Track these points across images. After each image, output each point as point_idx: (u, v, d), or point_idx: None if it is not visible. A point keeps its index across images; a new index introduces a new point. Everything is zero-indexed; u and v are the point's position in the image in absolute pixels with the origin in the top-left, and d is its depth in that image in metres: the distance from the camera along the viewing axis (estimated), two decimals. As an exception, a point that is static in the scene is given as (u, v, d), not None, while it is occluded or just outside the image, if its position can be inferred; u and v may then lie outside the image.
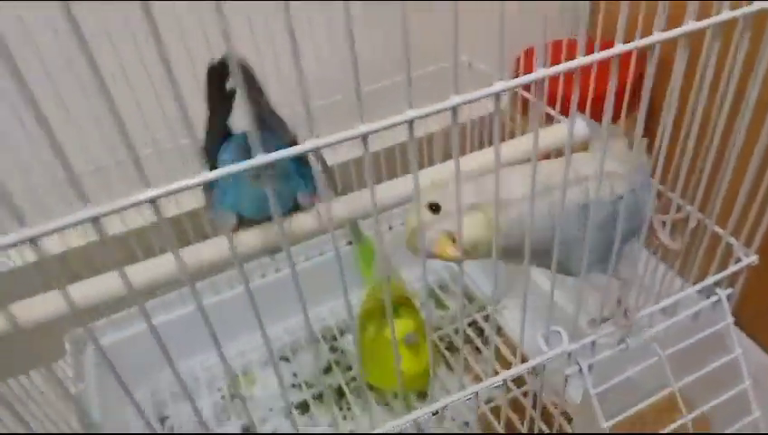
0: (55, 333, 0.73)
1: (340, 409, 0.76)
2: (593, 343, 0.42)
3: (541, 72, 0.29)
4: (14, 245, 0.20)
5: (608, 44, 0.32)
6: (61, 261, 0.68)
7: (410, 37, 0.24)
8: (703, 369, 0.47)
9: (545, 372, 0.41)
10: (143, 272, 0.44)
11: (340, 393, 0.78)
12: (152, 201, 0.21)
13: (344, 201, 0.45)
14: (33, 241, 0.20)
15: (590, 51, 0.30)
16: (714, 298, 0.48)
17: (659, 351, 0.45)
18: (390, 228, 0.88)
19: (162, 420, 0.78)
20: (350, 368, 0.80)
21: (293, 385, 0.80)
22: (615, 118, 0.72)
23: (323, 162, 0.69)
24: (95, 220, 0.21)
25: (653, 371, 0.48)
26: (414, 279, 0.85)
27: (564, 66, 0.29)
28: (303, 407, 0.77)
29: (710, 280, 0.47)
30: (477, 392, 0.37)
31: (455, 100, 0.27)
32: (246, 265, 0.80)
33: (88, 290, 0.43)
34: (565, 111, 0.66)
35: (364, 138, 0.25)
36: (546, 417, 0.59)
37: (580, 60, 0.30)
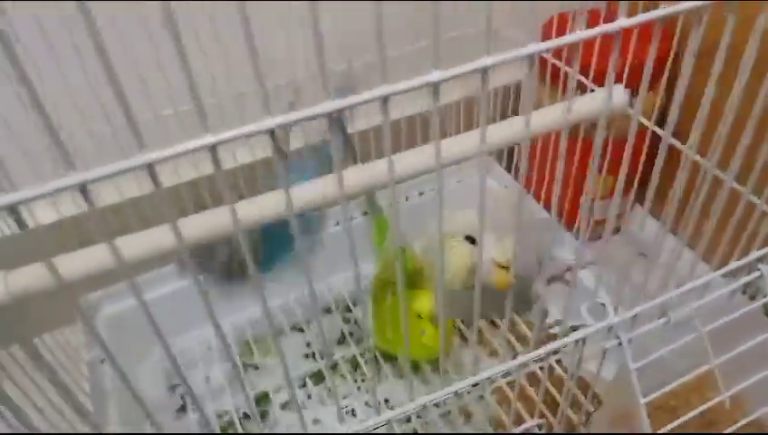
0: (68, 298, 0.72)
1: (355, 380, 0.75)
2: (634, 316, 0.41)
3: (581, 34, 0.26)
4: (65, 189, 0.18)
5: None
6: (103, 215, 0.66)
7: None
8: (740, 347, 0.46)
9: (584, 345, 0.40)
10: (158, 238, 0.42)
11: (354, 364, 0.77)
12: (212, 147, 0.19)
13: (359, 170, 0.43)
14: (83, 188, 0.18)
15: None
16: (755, 274, 0.46)
17: (699, 327, 0.44)
18: (407, 199, 0.86)
19: (172, 387, 0.77)
20: (362, 340, 0.79)
21: (307, 355, 0.79)
22: (636, 92, 0.70)
23: (343, 128, 0.67)
24: (150, 167, 0.19)
25: (689, 348, 0.47)
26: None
27: (604, 28, 0.27)
28: (318, 376, 0.76)
29: (753, 255, 0.46)
30: (524, 363, 0.35)
31: (486, 60, 0.24)
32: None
33: (105, 254, 0.41)
34: (597, 82, 0.64)
35: (384, 100, 0.22)
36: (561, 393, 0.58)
37: (621, 21, 0.28)
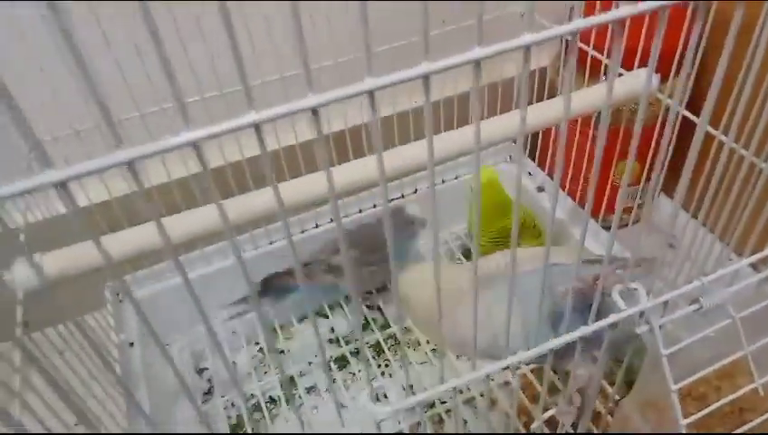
0: (94, 283, 0.73)
1: (378, 366, 0.76)
2: (666, 302, 0.41)
3: (623, 10, 0.26)
4: (113, 166, 0.18)
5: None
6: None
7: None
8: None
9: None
10: (187, 222, 0.42)
11: (378, 350, 0.77)
12: (256, 126, 0.19)
13: (397, 153, 0.43)
14: (130, 165, 0.19)
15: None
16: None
17: (732, 313, 0.43)
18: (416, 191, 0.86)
19: (200, 371, 0.78)
20: (387, 325, 0.79)
21: (330, 340, 0.79)
22: (664, 77, 0.69)
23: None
24: (195, 145, 0.19)
25: (717, 335, 0.46)
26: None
27: (646, 5, 0.26)
28: (342, 361, 0.76)
29: (789, 241, 0.45)
30: (554, 348, 0.35)
31: (527, 38, 0.23)
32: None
33: (130, 239, 0.42)
34: (624, 66, 0.63)
35: (426, 78, 0.21)
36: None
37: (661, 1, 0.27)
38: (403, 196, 0.84)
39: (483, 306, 0.34)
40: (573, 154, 0.78)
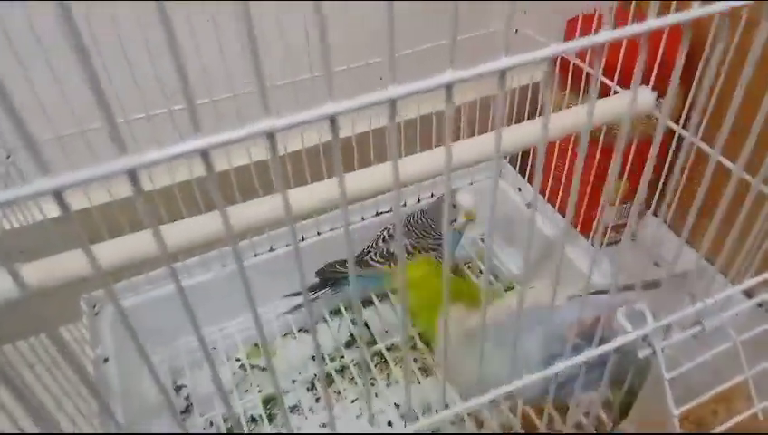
0: (71, 294, 0.70)
1: (364, 384, 0.74)
2: (669, 325, 0.40)
3: (604, 35, 0.25)
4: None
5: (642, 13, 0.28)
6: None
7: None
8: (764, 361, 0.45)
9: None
10: (175, 233, 0.40)
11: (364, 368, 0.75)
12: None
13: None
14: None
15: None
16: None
17: (733, 335, 0.43)
18: (405, 205, 0.85)
19: (177, 388, 0.75)
20: (373, 342, 0.78)
21: (314, 357, 0.77)
22: (662, 93, 0.69)
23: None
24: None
25: (718, 357, 0.45)
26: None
27: (630, 30, 0.25)
28: (326, 378, 0.74)
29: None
30: (558, 372, 0.34)
31: (503, 62, 0.22)
32: (270, 233, 0.77)
33: (113, 250, 0.39)
34: (624, 82, 0.63)
35: (392, 103, 0.20)
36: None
37: (650, 23, 0.26)
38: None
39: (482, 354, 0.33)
40: (566, 169, 0.77)
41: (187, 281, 0.74)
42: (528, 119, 0.81)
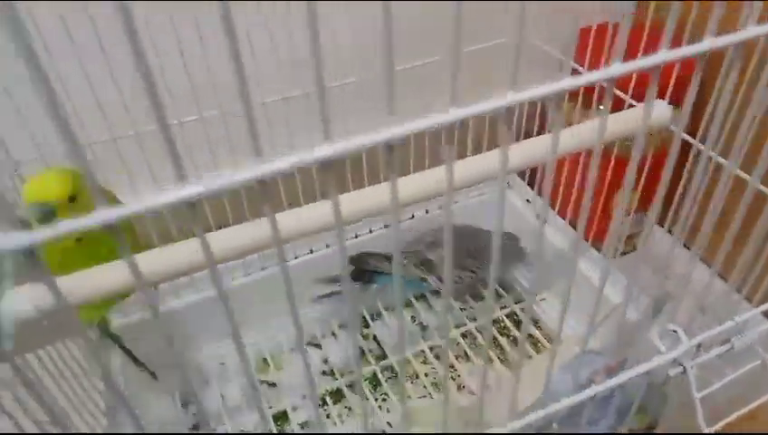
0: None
1: (376, 399, 0.73)
2: (699, 344, 0.39)
3: (615, 69, 0.24)
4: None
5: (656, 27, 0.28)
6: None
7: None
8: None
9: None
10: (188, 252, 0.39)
11: (375, 383, 0.74)
12: (388, 146, 0.17)
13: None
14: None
15: (654, 40, 0.25)
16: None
17: (762, 353, 0.42)
18: (412, 217, 0.84)
19: (185, 405, 0.74)
20: (384, 356, 0.77)
21: (324, 372, 0.76)
22: (679, 103, 0.69)
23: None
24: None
25: (743, 374, 0.45)
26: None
27: (643, 63, 0.25)
28: (337, 395, 0.73)
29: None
30: (592, 396, 0.33)
31: (506, 99, 0.21)
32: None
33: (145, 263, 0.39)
34: (637, 93, 0.63)
35: (389, 148, 0.19)
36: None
37: (662, 55, 0.25)
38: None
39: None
40: (577, 181, 0.77)
41: (191, 297, 0.73)
42: (537, 133, 0.81)
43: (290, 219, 0.36)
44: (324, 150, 0.17)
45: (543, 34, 0.74)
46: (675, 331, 0.36)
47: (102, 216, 0.16)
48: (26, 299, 0.34)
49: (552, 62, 0.75)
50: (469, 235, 0.78)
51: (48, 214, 0.43)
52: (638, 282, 0.37)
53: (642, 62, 0.25)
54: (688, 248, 0.46)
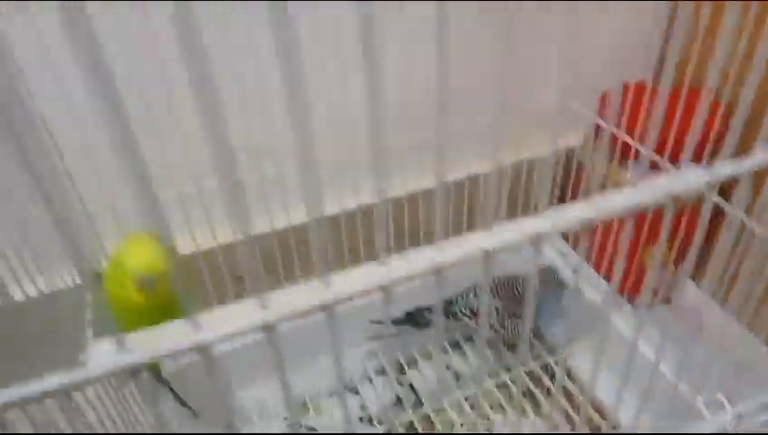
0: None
1: (413, 447, 0.74)
2: (740, 414, 0.40)
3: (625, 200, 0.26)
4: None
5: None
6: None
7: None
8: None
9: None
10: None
11: (412, 431, 0.75)
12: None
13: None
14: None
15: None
16: None
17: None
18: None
19: (226, 444, 0.76)
20: (419, 403, 0.78)
21: (362, 418, 0.78)
22: (698, 160, 0.71)
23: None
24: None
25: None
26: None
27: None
28: (375, 442, 0.75)
29: None
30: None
31: (486, 242, 0.23)
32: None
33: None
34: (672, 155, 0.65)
35: (385, 291, 0.22)
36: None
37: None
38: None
39: None
40: (613, 235, 0.78)
41: (242, 341, 0.76)
42: (564, 184, 0.83)
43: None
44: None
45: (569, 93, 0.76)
46: (720, 399, 0.37)
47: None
48: (112, 352, 0.37)
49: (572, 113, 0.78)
50: (512, 284, 0.80)
51: (153, 283, 0.49)
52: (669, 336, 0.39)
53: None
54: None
